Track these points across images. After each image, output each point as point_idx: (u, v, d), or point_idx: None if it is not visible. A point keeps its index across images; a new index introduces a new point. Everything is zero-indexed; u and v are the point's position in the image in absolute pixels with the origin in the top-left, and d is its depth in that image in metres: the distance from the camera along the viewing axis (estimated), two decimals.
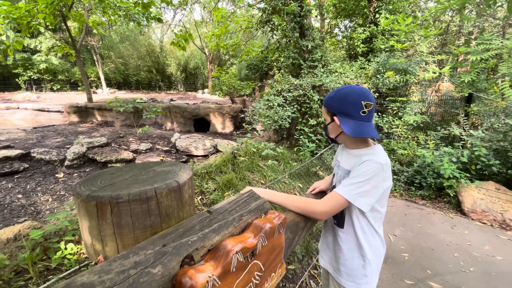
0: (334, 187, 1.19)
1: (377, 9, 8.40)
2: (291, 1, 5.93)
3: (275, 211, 0.74)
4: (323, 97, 4.93)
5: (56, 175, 5.48)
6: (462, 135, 4.56)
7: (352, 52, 9.58)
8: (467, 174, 3.97)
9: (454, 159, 4.01)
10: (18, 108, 14.53)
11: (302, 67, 6.04)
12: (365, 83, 5.82)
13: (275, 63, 9.83)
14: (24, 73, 22.91)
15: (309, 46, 5.73)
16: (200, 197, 2.78)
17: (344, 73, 5.92)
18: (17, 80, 23.37)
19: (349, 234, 1.08)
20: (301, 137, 4.79)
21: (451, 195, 4.02)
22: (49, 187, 4.94)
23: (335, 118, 1.02)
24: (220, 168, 3.30)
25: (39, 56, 22.68)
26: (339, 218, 1.10)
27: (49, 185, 5.04)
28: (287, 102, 5.00)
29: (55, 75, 24.36)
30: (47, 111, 14.22)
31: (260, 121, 5.21)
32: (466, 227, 3.44)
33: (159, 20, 10.61)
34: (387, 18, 7.61)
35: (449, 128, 4.84)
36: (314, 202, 0.99)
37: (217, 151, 8.86)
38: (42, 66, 22.64)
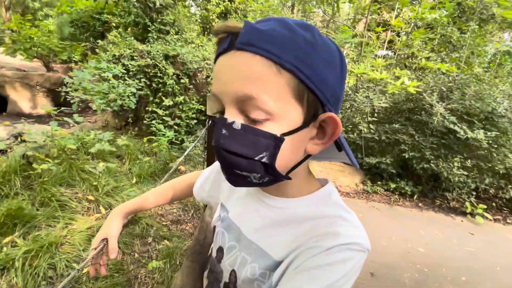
0: (213, 277, 0.53)
1: None
2: None
3: None
4: (179, 71, 4.00)
5: None
6: None
7: (208, 26, 8.99)
8: None
9: None
10: None
11: (149, 29, 4.72)
12: None
13: (113, 23, 7.58)
14: None
15: (157, 3, 4.50)
16: None
17: (202, 45, 5.19)
18: None
19: None
20: (153, 122, 3.70)
21: None
22: None
23: (331, 115, 0.38)
24: None
25: None
26: None
27: None
28: (130, 73, 3.68)
29: None
30: None
31: (88, 99, 3.60)
32: None
33: None
34: None
35: None
36: None
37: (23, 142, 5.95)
38: None
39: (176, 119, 3.94)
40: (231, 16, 7.70)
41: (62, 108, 3.17)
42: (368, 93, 4.50)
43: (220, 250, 0.52)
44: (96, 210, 2.09)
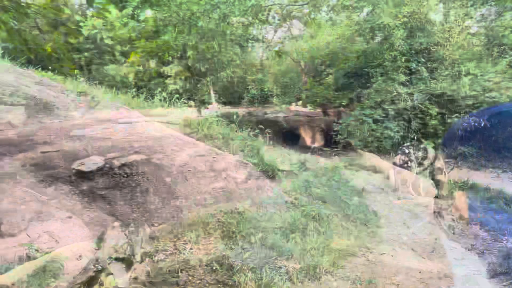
0: None
1: None
2: None
3: None
4: (446, 110, 3.55)
5: None
6: None
7: (495, 48, 6.98)
8: None
9: None
10: None
11: (412, 70, 4.67)
12: None
13: (378, 69, 8.41)
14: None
15: (424, 43, 4.36)
16: None
17: (482, 75, 4.18)
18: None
19: None
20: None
21: None
22: None
23: None
24: None
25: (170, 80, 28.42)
26: None
27: None
28: (389, 116, 3.89)
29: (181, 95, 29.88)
30: None
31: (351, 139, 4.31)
32: None
33: (257, 40, 11.50)
34: None
35: None
36: None
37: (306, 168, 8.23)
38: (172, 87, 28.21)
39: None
40: None
41: (332, 146, 4.09)
42: None
43: None
44: None
